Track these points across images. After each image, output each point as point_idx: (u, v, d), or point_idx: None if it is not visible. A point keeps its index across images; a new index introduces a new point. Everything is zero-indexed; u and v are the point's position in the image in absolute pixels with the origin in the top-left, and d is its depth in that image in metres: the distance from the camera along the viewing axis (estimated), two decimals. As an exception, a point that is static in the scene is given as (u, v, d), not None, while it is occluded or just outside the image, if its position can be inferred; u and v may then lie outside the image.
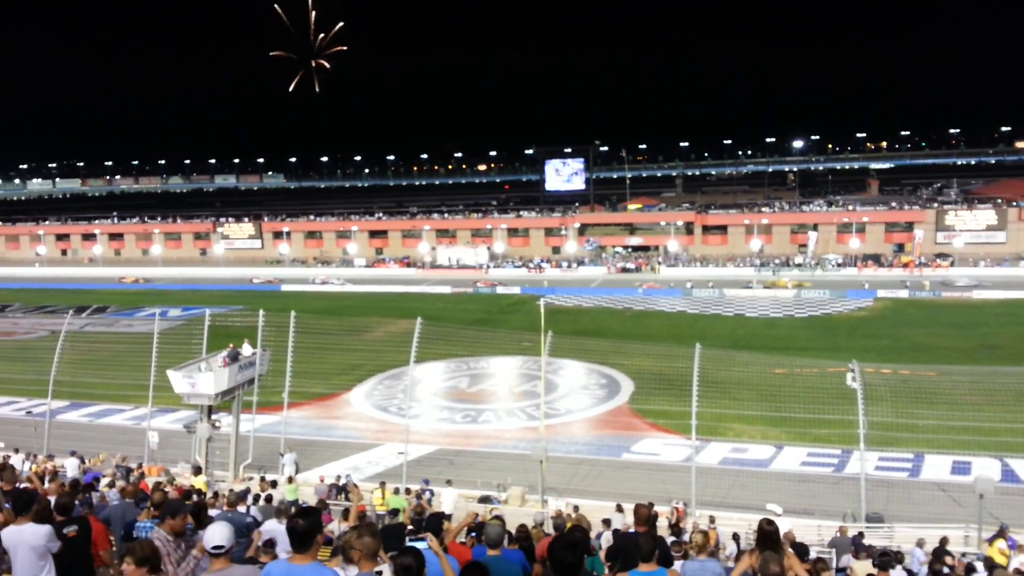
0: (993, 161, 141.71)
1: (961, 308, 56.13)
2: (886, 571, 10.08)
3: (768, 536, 7.14)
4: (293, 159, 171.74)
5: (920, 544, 15.78)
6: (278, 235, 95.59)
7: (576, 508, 19.23)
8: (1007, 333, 46.15)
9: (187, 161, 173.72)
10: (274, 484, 19.24)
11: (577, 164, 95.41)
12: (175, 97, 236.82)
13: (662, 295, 66.08)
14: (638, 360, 36.08)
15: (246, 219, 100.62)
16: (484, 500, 21.65)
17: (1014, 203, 77.59)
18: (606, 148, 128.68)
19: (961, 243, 74.57)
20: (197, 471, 21.37)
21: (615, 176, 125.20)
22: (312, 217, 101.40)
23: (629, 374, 37.42)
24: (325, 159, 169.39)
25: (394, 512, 18.31)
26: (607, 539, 12.72)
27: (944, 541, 15.41)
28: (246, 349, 25.39)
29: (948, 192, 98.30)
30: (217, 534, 5.64)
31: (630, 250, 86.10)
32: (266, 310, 26.49)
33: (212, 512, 11.06)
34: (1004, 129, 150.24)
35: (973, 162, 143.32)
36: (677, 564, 7.61)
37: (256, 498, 17.05)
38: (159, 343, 25.61)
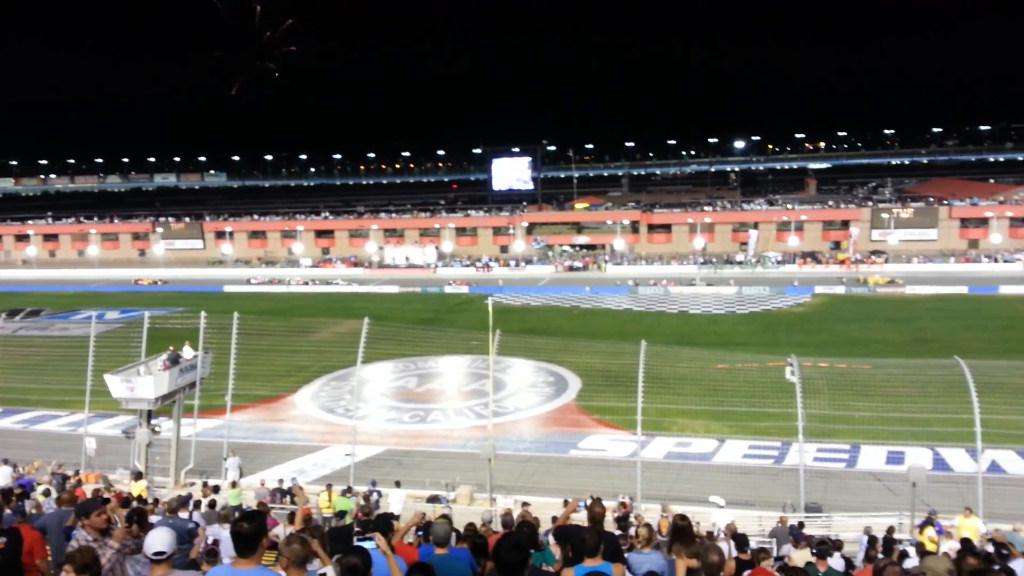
0: (926, 161, 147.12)
1: (895, 303, 58.13)
2: (824, 559, 10.41)
3: (681, 531, 7.36)
4: (236, 158, 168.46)
5: (867, 532, 16.34)
6: (221, 235, 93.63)
7: (525, 504, 19.36)
8: (939, 327, 47.94)
9: (125, 160, 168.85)
10: (217, 489, 18.87)
11: (525, 163, 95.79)
12: (113, 94, 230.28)
13: (608, 293, 66.84)
14: (585, 357, 36.44)
15: (187, 219, 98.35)
16: (432, 500, 21.60)
17: (945, 201, 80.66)
18: (553, 148, 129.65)
19: (895, 240, 77.20)
20: (137, 477, 20.84)
21: (562, 175, 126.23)
22: (256, 217, 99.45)
23: (576, 371, 37.78)
24: (269, 158, 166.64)
25: (341, 514, 18.16)
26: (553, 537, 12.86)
27: (891, 530, 16.02)
28: (187, 352, 24.85)
29: (883, 191, 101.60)
30: (158, 540, 5.56)
31: (577, 249, 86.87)
32: (208, 312, 25.96)
33: (153, 518, 10.83)
34: (936, 130, 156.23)
35: (907, 162, 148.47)
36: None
37: (198, 504, 16.74)
38: (96, 347, 24.85)
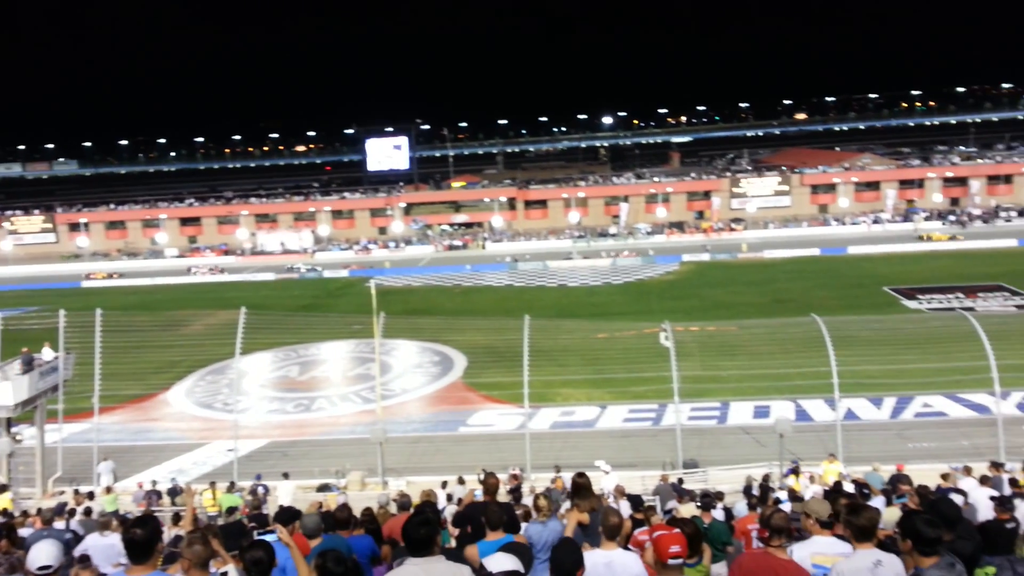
0: (778, 132, 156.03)
1: (755, 267, 61.87)
2: (708, 511, 11.14)
3: (580, 487, 7.73)
4: (88, 143, 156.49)
5: (748, 481, 17.51)
6: (75, 227, 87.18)
7: (407, 484, 19.48)
8: (795, 287, 51.48)
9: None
10: (91, 496, 17.93)
11: (400, 143, 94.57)
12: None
13: (489, 270, 67.45)
14: (469, 335, 36.81)
15: (36, 211, 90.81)
16: (323, 488, 21.32)
17: (796, 170, 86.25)
18: (427, 127, 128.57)
19: (753, 208, 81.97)
20: (1, 489, 19.40)
21: (438, 155, 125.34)
22: (113, 206, 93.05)
23: (462, 350, 38.07)
24: (125, 142, 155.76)
25: (230, 510, 17.65)
26: (450, 512, 13.07)
27: (767, 478, 17.25)
28: (46, 353, 23.19)
29: (740, 162, 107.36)
30: (43, 554, 5.31)
31: (456, 227, 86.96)
32: (67, 309, 24.31)
33: (24, 532, 10.22)
34: (787, 102, 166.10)
35: (761, 133, 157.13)
36: (523, 527, 8.00)
37: (72, 512, 15.87)
38: (-61, 353, 22.83)
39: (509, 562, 4.59)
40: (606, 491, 17.50)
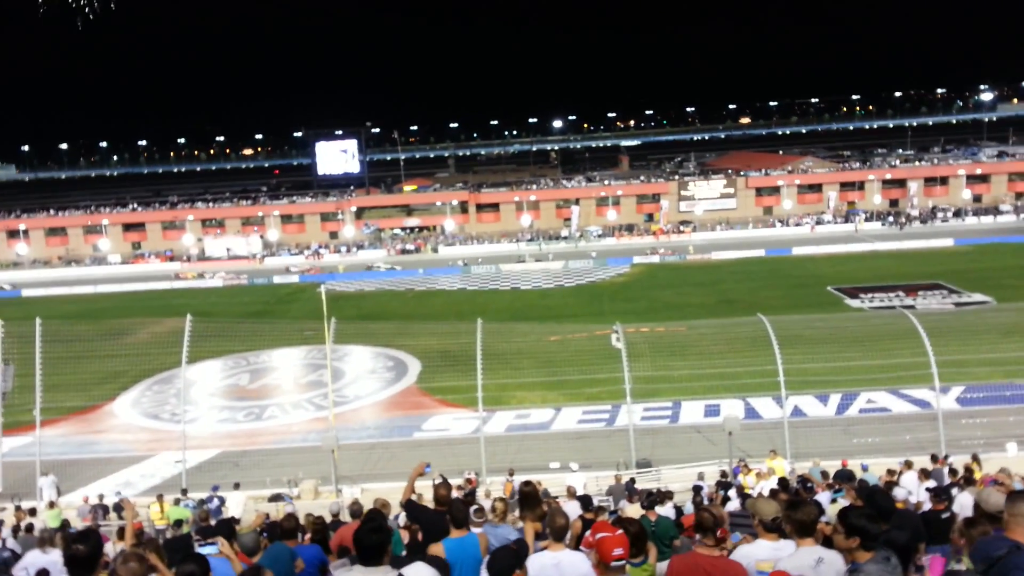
0: (723, 136, 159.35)
1: (703, 269, 62.97)
2: (652, 509, 11.32)
3: (528, 496, 7.84)
4: (25, 147, 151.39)
5: (700, 478, 17.82)
6: (13, 234, 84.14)
7: (361, 492, 19.34)
8: (741, 288, 52.55)
9: None
10: (33, 512, 17.34)
11: (349, 146, 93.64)
12: None
13: (442, 274, 67.29)
14: (423, 340, 36.66)
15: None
16: (275, 499, 21.01)
17: (742, 173, 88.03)
18: (378, 130, 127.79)
19: (700, 211, 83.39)
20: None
21: (388, 158, 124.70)
22: (53, 212, 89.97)
23: (415, 354, 37.86)
24: (64, 146, 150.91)
25: (178, 523, 17.28)
26: (403, 519, 13.01)
27: (724, 475, 17.61)
28: (-17, 365, 22.43)
29: (687, 165, 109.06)
30: None
31: (408, 231, 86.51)
32: (4, 319, 23.54)
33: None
34: (731, 107, 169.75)
35: (707, 137, 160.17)
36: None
37: (15, 530, 15.39)
38: None
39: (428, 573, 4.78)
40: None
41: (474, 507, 6.97)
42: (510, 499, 14.60)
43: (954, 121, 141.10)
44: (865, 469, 17.04)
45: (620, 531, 5.80)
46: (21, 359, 23.15)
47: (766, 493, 12.65)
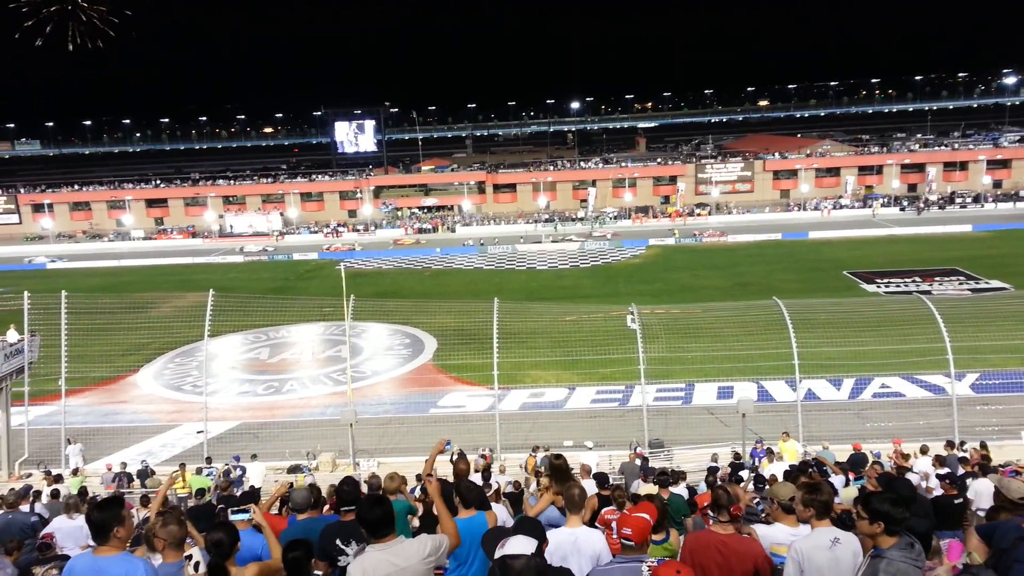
0: (741, 118, 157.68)
1: (718, 252, 62.79)
2: (665, 488, 11.54)
3: (558, 468, 8.04)
4: (50, 123, 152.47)
5: (714, 459, 18.01)
6: (38, 208, 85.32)
7: (378, 465, 19.71)
8: (757, 271, 52.45)
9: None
10: (59, 478, 17.87)
11: (369, 125, 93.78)
12: None
13: (459, 253, 67.55)
14: (439, 318, 36.95)
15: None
16: (294, 470, 21.50)
17: (759, 156, 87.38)
18: (396, 110, 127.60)
19: (716, 193, 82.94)
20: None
21: (407, 138, 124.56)
22: (77, 187, 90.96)
23: (432, 332, 38.23)
24: (88, 123, 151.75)
25: (200, 492, 17.74)
26: (419, 492, 13.33)
27: (738, 456, 17.80)
28: (11, 335, 22.97)
29: (704, 147, 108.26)
30: None
31: (426, 211, 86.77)
32: (32, 291, 24.05)
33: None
34: (749, 89, 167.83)
35: (725, 120, 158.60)
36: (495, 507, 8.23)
37: (38, 495, 15.89)
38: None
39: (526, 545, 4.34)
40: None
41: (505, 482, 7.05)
42: (533, 475, 14.86)
43: (975, 105, 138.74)
44: (878, 456, 17.17)
45: (643, 515, 5.44)
46: (47, 330, 23.65)
47: (779, 475, 12.82)
